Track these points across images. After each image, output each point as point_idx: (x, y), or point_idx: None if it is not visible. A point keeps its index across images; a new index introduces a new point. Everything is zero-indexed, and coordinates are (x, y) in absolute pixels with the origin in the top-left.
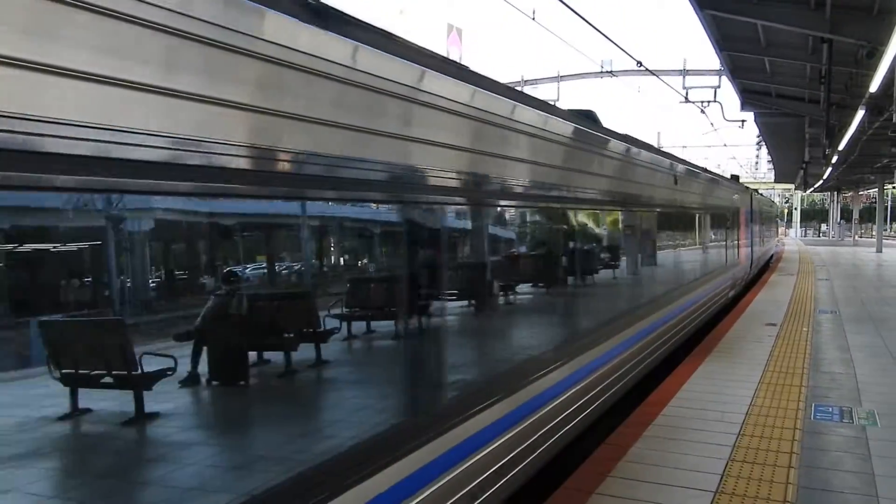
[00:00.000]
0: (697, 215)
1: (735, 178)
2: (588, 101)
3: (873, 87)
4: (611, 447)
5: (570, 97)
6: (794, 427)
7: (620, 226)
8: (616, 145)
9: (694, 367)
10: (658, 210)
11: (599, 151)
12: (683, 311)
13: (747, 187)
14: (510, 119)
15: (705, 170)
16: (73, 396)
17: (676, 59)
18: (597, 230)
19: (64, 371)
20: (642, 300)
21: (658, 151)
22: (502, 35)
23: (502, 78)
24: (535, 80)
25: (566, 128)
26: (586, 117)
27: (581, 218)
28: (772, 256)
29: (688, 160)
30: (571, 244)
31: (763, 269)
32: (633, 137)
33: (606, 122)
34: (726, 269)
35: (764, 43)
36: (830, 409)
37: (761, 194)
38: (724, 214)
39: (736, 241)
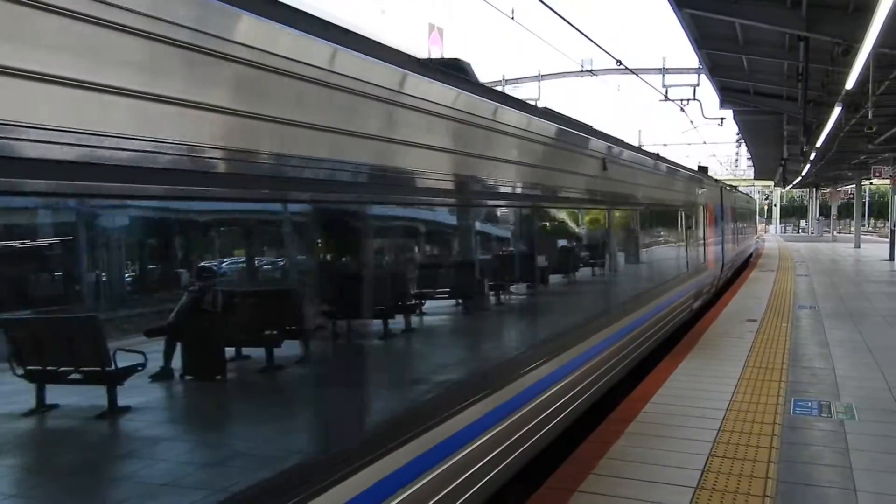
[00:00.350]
0: (643, 212)
1: (703, 169)
2: (569, 100)
3: (849, 84)
4: (594, 444)
5: (552, 96)
6: (773, 422)
7: (494, 227)
8: (495, 110)
9: (676, 364)
10: (576, 206)
11: (464, 117)
12: (610, 347)
13: (718, 181)
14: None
15: (659, 157)
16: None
17: (656, 57)
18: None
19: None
20: (518, 353)
21: (583, 128)
22: (483, 35)
23: (482, 78)
24: (517, 79)
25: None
26: (453, 68)
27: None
28: (751, 255)
29: (638, 147)
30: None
31: (741, 269)
32: (537, 107)
33: (590, 121)
34: (688, 277)
35: (742, 41)
36: (809, 404)
37: (736, 189)
38: (687, 211)
39: (701, 242)
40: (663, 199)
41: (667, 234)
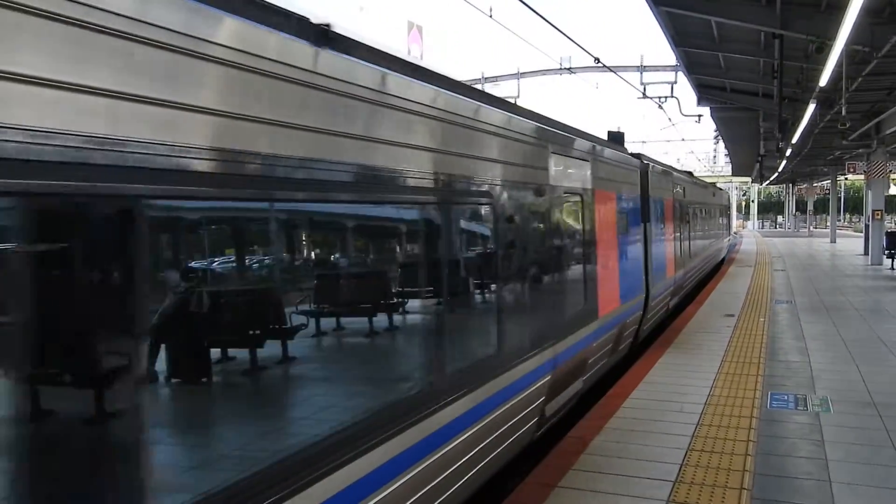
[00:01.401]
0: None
1: (615, 137)
2: (548, 98)
3: (823, 81)
4: (573, 440)
5: (531, 94)
6: (751, 416)
7: None
8: None
9: (655, 360)
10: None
11: None
12: None
13: (643, 158)
14: None
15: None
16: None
17: (634, 55)
18: None
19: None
20: None
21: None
22: (462, 33)
23: (462, 76)
24: (496, 77)
25: None
26: None
27: None
28: (722, 260)
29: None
30: None
31: (707, 279)
32: None
33: (569, 119)
34: (516, 359)
35: (718, 39)
36: (786, 398)
37: (692, 175)
38: (547, 207)
39: (590, 268)
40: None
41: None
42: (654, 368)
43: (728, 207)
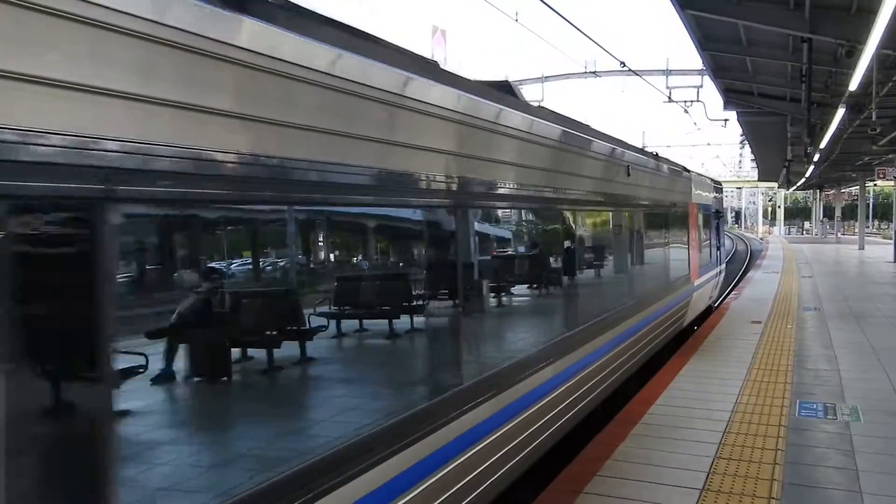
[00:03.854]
0: None
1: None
2: (573, 102)
3: (853, 85)
4: (598, 446)
5: (555, 98)
6: (779, 424)
7: None
8: None
9: (680, 366)
10: None
11: None
12: None
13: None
14: None
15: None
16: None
17: (659, 59)
18: None
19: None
20: None
21: None
22: (486, 36)
23: (486, 79)
24: (520, 80)
25: None
26: None
27: None
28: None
29: None
30: None
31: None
32: None
33: (594, 123)
34: None
35: (745, 42)
36: (815, 406)
37: (657, 157)
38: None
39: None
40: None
41: None
42: (680, 375)
43: (719, 212)
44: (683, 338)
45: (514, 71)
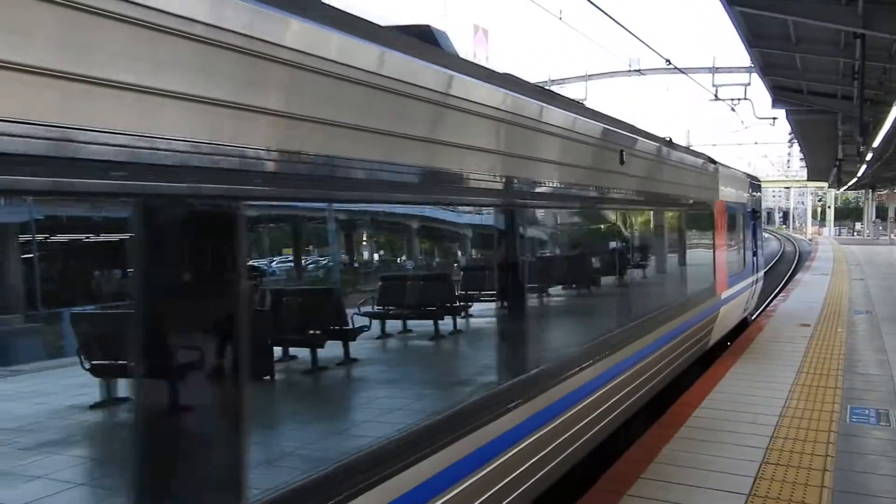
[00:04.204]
0: None
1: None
2: (616, 101)
3: None
4: (642, 448)
5: (599, 97)
6: (829, 430)
7: None
8: None
9: (726, 368)
10: None
11: None
12: None
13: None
14: None
15: None
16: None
17: (706, 56)
18: None
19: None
20: None
21: None
22: (529, 35)
23: (530, 78)
24: (563, 79)
25: None
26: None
27: None
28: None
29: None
30: None
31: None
32: None
33: (638, 122)
34: None
35: (794, 39)
36: (866, 412)
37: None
38: None
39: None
40: None
41: None
42: (726, 378)
43: (756, 213)
44: (709, 360)
45: (558, 69)
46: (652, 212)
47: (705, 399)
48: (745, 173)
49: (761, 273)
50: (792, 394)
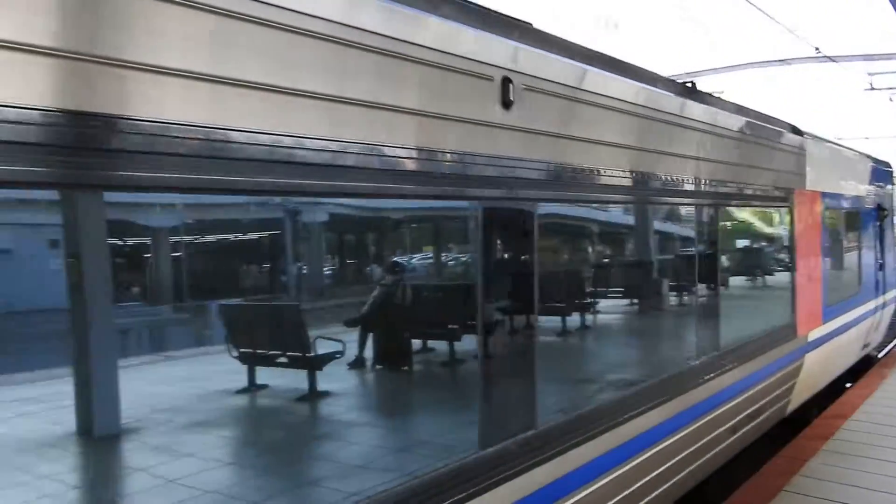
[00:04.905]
0: None
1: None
2: (758, 93)
3: None
4: (785, 460)
5: (738, 88)
6: None
7: None
8: None
9: (878, 380)
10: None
11: None
12: None
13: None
14: None
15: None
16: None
17: (859, 43)
18: None
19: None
20: None
21: None
22: (660, 26)
23: (663, 72)
24: (698, 71)
25: None
26: None
27: None
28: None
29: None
30: None
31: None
32: None
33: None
34: None
35: None
36: None
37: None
38: None
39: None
40: None
41: None
42: (879, 390)
43: (882, 209)
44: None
45: (692, 61)
46: (669, 205)
47: (855, 412)
48: (864, 154)
49: (893, 293)
50: None
